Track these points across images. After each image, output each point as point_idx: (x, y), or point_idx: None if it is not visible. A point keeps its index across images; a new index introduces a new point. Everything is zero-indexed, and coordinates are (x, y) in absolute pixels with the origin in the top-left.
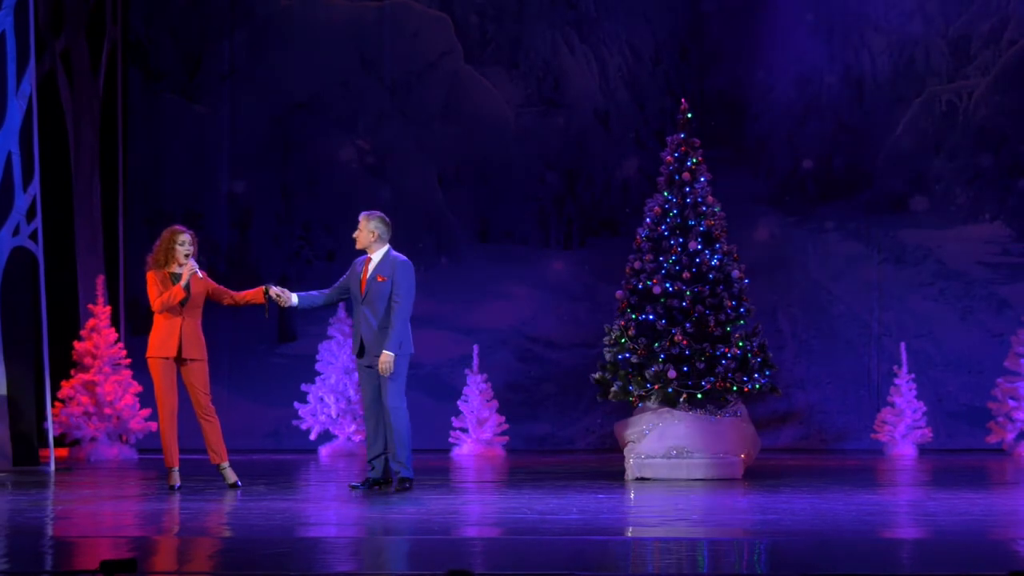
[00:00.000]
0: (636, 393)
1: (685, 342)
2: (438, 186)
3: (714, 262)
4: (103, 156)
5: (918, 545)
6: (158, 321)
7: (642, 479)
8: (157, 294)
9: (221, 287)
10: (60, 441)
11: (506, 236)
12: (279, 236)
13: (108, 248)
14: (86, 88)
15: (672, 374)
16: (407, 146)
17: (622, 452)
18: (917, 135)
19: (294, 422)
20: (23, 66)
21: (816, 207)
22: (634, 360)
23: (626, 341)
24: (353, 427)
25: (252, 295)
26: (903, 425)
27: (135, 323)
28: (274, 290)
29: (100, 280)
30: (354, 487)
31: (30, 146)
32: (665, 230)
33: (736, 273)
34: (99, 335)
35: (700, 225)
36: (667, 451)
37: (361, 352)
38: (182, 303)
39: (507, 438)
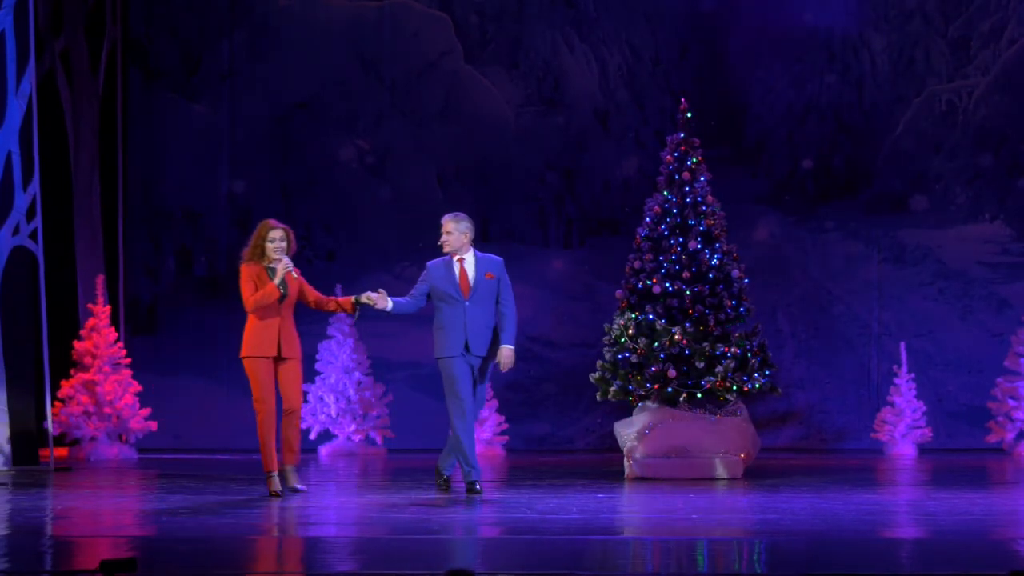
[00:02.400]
0: (636, 393)
1: (685, 342)
2: (438, 186)
3: (714, 262)
4: (103, 155)
5: (918, 545)
6: (253, 320)
7: (642, 479)
8: (250, 291)
9: (311, 288)
10: (60, 441)
11: (506, 235)
12: None
13: (108, 247)
14: (86, 88)
15: (672, 374)
16: (407, 146)
17: (622, 452)
18: (917, 135)
19: None
20: (23, 65)
21: (816, 207)
22: (634, 360)
23: (626, 341)
24: (353, 427)
25: (342, 303)
26: (903, 425)
27: (135, 323)
28: (367, 296)
29: (100, 279)
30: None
31: (30, 145)
32: (665, 230)
33: (736, 273)
34: (99, 335)
35: (700, 225)
36: (667, 451)
37: (467, 348)
38: (279, 300)
39: (507, 438)
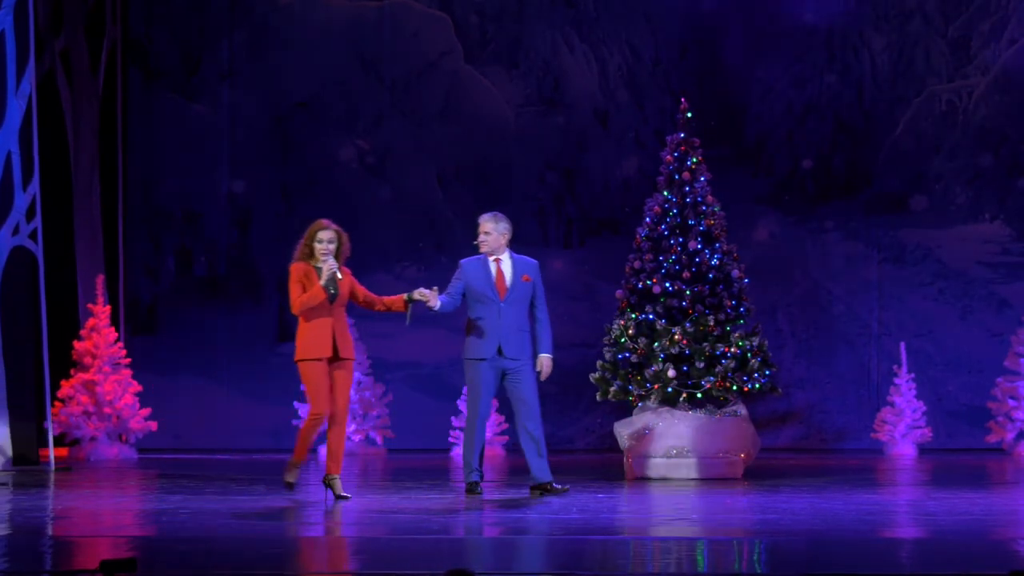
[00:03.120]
0: (636, 393)
1: (685, 341)
2: (438, 186)
3: (714, 262)
4: (103, 155)
5: (918, 545)
6: (304, 322)
7: (642, 479)
8: (298, 292)
9: (362, 287)
10: (60, 441)
11: None
12: (279, 236)
13: (108, 247)
14: (86, 88)
15: (672, 373)
16: (407, 146)
17: (622, 452)
18: (917, 135)
19: (294, 422)
20: (23, 65)
21: (816, 207)
22: (634, 360)
23: (626, 341)
24: (352, 427)
25: (392, 301)
26: (903, 425)
27: (135, 323)
28: (420, 292)
29: (100, 279)
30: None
31: (30, 145)
32: (665, 230)
33: (736, 272)
34: (99, 335)
35: (700, 225)
36: (667, 451)
37: (499, 351)
38: (329, 301)
39: (507, 437)
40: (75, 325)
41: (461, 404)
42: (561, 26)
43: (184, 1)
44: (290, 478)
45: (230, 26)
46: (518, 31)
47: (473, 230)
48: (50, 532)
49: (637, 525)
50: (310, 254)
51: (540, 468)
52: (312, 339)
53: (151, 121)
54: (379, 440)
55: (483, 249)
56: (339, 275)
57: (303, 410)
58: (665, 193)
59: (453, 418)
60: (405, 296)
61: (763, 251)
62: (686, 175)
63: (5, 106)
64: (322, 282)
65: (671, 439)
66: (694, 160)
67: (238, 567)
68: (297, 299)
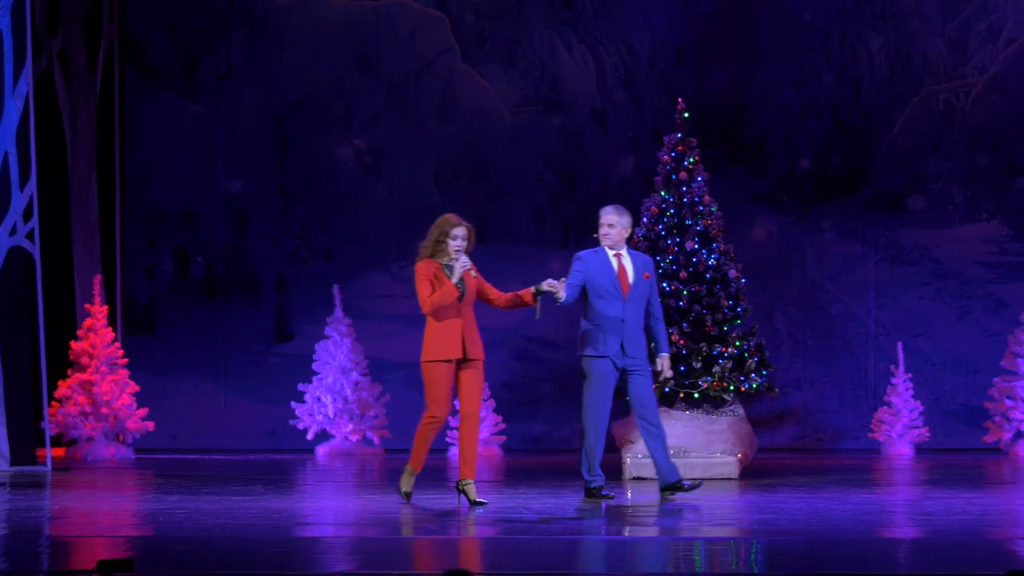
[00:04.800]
0: None
1: (682, 342)
2: (435, 185)
3: (711, 262)
4: (100, 155)
5: (915, 545)
6: (433, 322)
7: (639, 478)
8: (428, 291)
9: (488, 284)
10: (57, 441)
11: (503, 235)
12: (276, 236)
13: (105, 247)
14: (83, 87)
15: (668, 374)
16: (404, 145)
17: (619, 452)
18: (914, 134)
19: (291, 422)
20: (20, 65)
21: (813, 206)
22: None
23: None
24: (350, 427)
25: (520, 296)
26: (900, 424)
27: (132, 323)
28: (549, 283)
29: (97, 279)
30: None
31: (27, 145)
32: (662, 230)
33: (733, 273)
34: (96, 335)
35: (697, 225)
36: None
37: (622, 350)
38: (458, 299)
39: (504, 437)
40: (72, 325)
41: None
42: (558, 25)
43: (181, 1)
44: (407, 487)
45: (227, 26)
46: (515, 30)
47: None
48: (47, 532)
49: (634, 525)
50: (439, 251)
51: (671, 469)
52: (442, 340)
53: (148, 121)
54: (376, 440)
55: (606, 243)
56: (473, 272)
57: (300, 410)
58: (662, 193)
59: (451, 418)
60: (533, 289)
61: (760, 251)
62: (683, 175)
63: (2, 106)
64: (454, 280)
65: (668, 439)
66: (691, 160)
67: (235, 567)
68: (428, 298)
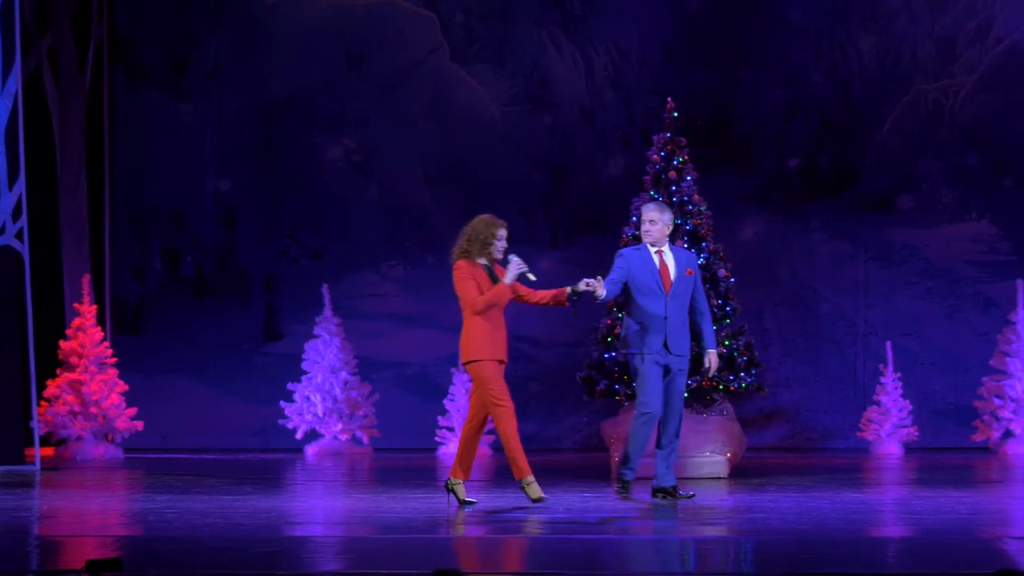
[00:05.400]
0: (622, 392)
1: None
2: (424, 184)
3: (700, 261)
4: (89, 154)
5: (904, 544)
6: (481, 323)
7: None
8: (477, 291)
9: (523, 285)
10: (46, 440)
11: None
12: (266, 235)
13: (94, 247)
14: (72, 87)
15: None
16: (393, 144)
17: (608, 451)
18: (903, 134)
19: (280, 421)
20: (9, 64)
21: (802, 206)
22: (620, 359)
23: (613, 340)
24: (339, 426)
25: (556, 296)
26: (889, 424)
27: (121, 322)
28: (587, 283)
29: (86, 279)
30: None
31: (15, 145)
32: None
33: (722, 272)
34: (85, 334)
35: (686, 224)
36: (653, 450)
37: (666, 347)
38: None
39: (493, 437)
40: (61, 325)
41: (448, 403)
42: (547, 25)
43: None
44: (538, 492)
45: (216, 25)
46: (505, 30)
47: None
48: (36, 532)
49: (623, 525)
50: (480, 251)
51: (667, 473)
52: (491, 340)
53: (137, 120)
54: (365, 439)
55: (647, 239)
56: (531, 276)
57: (289, 409)
58: (651, 192)
59: (440, 417)
60: (569, 290)
61: (749, 250)
62: (672, 174)
63: None
64: (508, 280)
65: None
66: (680, 159)
67: (224, 567)
68: (480, 298)
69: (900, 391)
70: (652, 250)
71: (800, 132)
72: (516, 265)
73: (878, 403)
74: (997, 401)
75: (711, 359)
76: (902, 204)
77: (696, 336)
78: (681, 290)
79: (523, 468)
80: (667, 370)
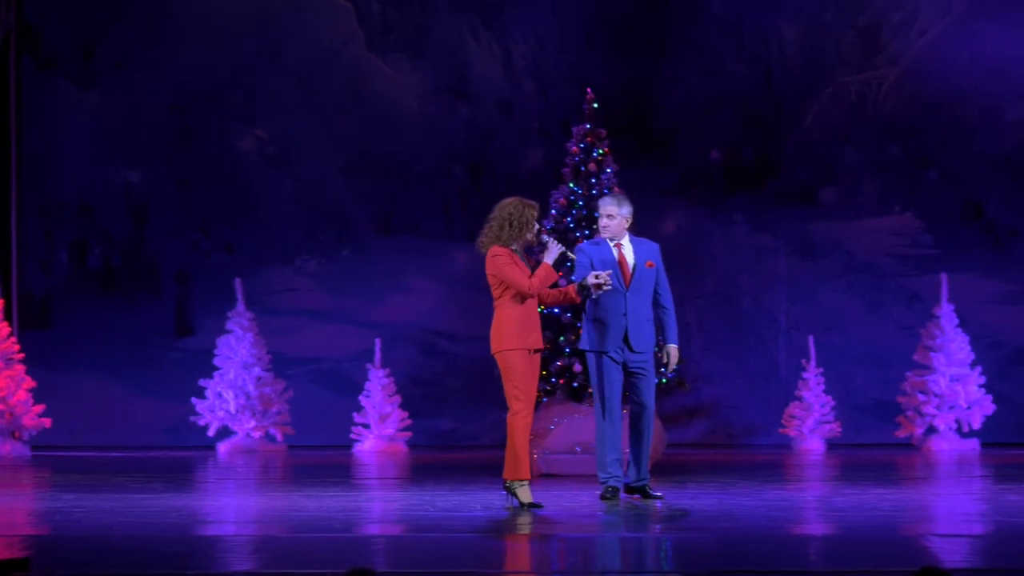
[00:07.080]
0: (541, 388)
1: None
2: (340, 177)
3: None
4: None
5: (827, 541)
6: (515, 309)
7: (547, 475)
8: (522, 274)
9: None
10: None
11: (410, 228)
12: (177, 228)
13: (0, 240)
14: None
15: (577, 368)
16: (308, 136)
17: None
18: (826, 126)
19: (192, 418)
20: None
21: (724, 198)
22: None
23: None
24: (252, 423)
25: (566, 292)
26: (811, 420)
27: (28, 317)
28: (595, 275)
29: None
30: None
31: None
32: (571, 222)
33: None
34: None
35: None
36: (572, 446)
37: (626, 343)
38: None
39: (410, 434)
40: None
41: (363, 400)
42: (466, 14)
43: None
44: (530, 498)
45: (126, 13)
46: (422, 19)
47: (376, 222)
48: None
49: (542, 523)
50: (515, 236)
51: (640, 472)
52: (525, 328)
53: (46, 110)
54: (279, 436)
55: (605, 235)
56: (571, 254)
57: (201, 406)
58: (571, 185)
59: (355, 414)
60: (576, 286)
61: (671, 244)
62: (592, 166)
63: None
64: (550, 260)
65: (577, 434)
66: (600, 151)
67: (134, 567)
68: (531, 280)
69: (823, 387)
70: (611, 244)
71: (722, 124)
72: (556, 249)
73: (800, 399)
74: (921, 397)
75: (671, 353)
76: (824, 197)
77: (658, 330)
78: (642, 284)
79: (523, 470)
80: (626, 368)
